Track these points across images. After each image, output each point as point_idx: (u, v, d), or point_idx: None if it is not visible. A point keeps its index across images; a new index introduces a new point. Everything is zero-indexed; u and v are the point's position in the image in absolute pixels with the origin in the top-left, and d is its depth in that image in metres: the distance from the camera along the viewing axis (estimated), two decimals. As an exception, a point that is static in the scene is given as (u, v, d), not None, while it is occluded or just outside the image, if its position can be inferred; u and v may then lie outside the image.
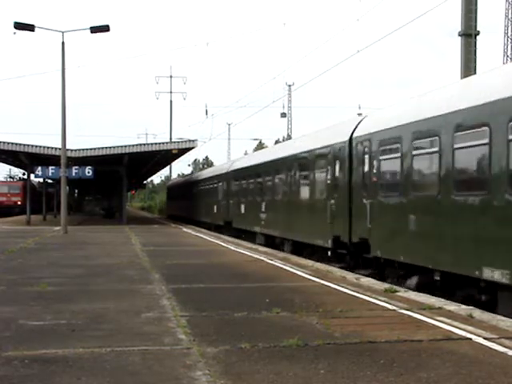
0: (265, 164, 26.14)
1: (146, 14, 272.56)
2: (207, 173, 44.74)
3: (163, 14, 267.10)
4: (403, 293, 11.34)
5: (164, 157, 43.71)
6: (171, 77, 76.26)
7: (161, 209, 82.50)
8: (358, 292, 11.45)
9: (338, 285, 12.41)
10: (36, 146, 37.36)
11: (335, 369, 6.33)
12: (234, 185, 32.15)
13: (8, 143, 37.12)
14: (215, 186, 37.39)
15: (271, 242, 24.53)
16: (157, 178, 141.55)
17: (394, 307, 9.86)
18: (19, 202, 63.12)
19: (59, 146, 32.12)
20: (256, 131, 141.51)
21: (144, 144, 42.61)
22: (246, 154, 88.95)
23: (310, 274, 14.19)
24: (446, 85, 13.83)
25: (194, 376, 6.06)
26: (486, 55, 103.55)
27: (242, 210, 29.70)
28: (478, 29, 25.80)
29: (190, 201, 48.32)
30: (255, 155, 34.77)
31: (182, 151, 41.42)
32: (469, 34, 25.55)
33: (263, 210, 25.67)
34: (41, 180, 54.93)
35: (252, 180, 28.18)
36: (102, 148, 38.17)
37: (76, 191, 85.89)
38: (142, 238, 27.20)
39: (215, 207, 36.78)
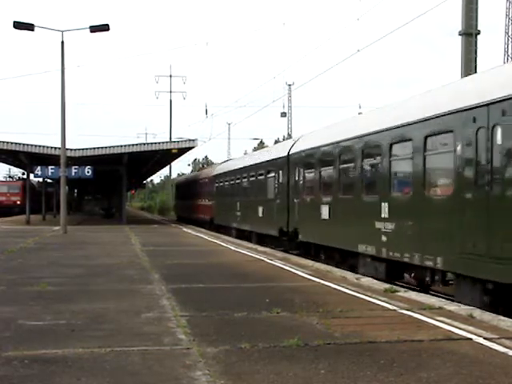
0: (394, 131, 14.14)
1: (145, 14, 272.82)
2: (241, 162, 32.23)
3: (163, 13, 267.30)
4: (403, 293, 11.33)
5: (164, 156, 43.68)
6: (171, 76, 76.33)
7: (161, 209, 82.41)
8: (359, 292, 11.44)
9: (339, 285, 12.40)
10: (36, 146, 37.35)
11: (335, 369, 6.32)
12: (305, 174, 20.51)
13: (8, 143, 37.10)
14: (260, 178, 26.41)
15: (418, 280, 13.93)
16: (156, 178, 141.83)
17: (395, 307, 9.85)
18: (19, 202, 63.13)
19: (59, 145, 32.11)
20: (256, 131, 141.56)
21: (144, 143, 42.60)
22: (245, 153, 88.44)
23: (310, 274, 14.17)
24: None
25: (193, 376, 6.05)
26: (487, 54, 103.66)
27: (325, 215, 18.20)
28: (478, 28, 25.84)
29: (212, 201, 38.29)
30: (356, 120, 18.53)
31: (182, 151, 41.38)
32: (469, 34, 25.57)
33: (385, 215, 14.27)
34: (40, 180, 54.92)
35: (352, 164, 16.37)
36: (102, 148, 38.15)
37: (75, 191, 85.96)
38: (142, 237, 27.18)
39: (261, 210, 25.62)
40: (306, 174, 20.54)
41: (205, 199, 41.18)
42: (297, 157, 21.55)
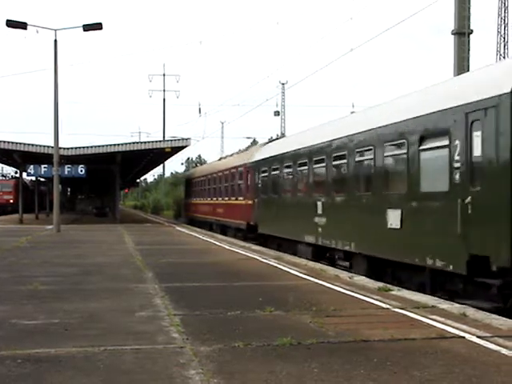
0: None
1: (139, 12, 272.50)
2: (323, 132, 19.21)
3: (156, 12, 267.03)
4: (397, 291, 11.35)
5: (157, 155, 43.64)
6: (164, 75, 76.41)
7: (154, 208, 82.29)
8: (352, 291, 11.45)
9: (332, 283, 12.41)
10: (28, 145, 37.30)
11: (329, 367, 6.31)
12: None
13: (0, 141, 37.01)
14: (391, 154, 14.35)
15: None
16: (150, 177, 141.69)
17: (388, 306, 9.86)
18: (11, 201, 62.97)
19: (52, 144, 32.03)
20: (249, 129, 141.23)
21: (137, 142, 42.55)
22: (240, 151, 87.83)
23: (304, 273, 14.18)
24: None
25: (187, 375, 6.04)
26: (480, 53, 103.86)
27: None
28: (471, 27, 25.94)
29: (254, 199, 26.39)
30: None
31: (176, 150, 41.36)
32: (462, 33, 25.67)
33: None
34: (33, 178, 54.79)
35: None
36: (95, 146, 38.15)
37: (69, 190, 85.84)
38: (135, 236, 27.15)
39: (395, 215, 13.66)
40: None
41: (236, 197, 30.18)
42: None
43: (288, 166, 21.60)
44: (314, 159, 18.92)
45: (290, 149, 21.71)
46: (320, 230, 18.15)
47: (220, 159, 40.88)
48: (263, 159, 25.16)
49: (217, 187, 35.58)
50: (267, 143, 28.71)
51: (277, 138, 28.78)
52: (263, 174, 24.89)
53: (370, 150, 14.99)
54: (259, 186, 25.56)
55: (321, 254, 18.74)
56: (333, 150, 17.34)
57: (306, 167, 19.80)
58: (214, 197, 36.43)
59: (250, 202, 27.11)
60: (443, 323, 8.44)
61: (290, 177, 21.48)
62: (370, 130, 15.16)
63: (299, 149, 20.49)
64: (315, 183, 19.11)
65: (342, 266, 16.83)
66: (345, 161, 16.54)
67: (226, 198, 32.62)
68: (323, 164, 18.15)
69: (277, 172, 22.91)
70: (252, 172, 26.92)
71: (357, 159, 15.81)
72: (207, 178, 39.17)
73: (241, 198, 29.13)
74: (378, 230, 14.45)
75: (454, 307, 9.73)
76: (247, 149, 34.40)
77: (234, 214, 30.28)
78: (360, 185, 15.91)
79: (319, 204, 18.29)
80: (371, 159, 14.99)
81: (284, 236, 22.05)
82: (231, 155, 37.10)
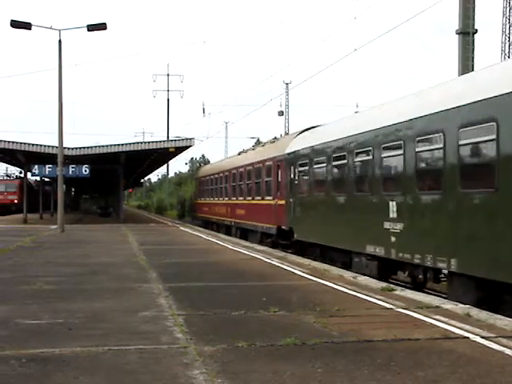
0: None
1: (143, 12, 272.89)
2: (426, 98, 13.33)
3: (160, 12, 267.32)
4: (400, 291, 11.34)
5: (161, 155, 43.68)
6: (168, 75, 76.45)
7: (158, 207, 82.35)
8: (355, 291, 11.44)
9: (335, 283, 12.40)
10: (33, 145, 37.38)
11: (332, 368, 6.31)
12: None
13: (5, 142, 37.10)
14: None
15: None
16: (154, 177, 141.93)
17: (392, 306, 9.85)
18: (16, 201, 63.09)
19: (56, 144, 32.08)
20: (253, 129, 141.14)
21: (141, 142, 42.57)
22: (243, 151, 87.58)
23: (307, 273, 14.17)
24: None
25: (191, 375, 6.04)
26: (485, 52, 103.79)
27: None
28: (476, 27, 25.88)
29: (287, 198, 21.80)
30: None
31: (179, 150, 41.38)
32: (466, 33, 25.62)
33: None
34: (38, 178, 54.89)
35: None
36: (99, 146, 38.22)
37: (73, 190, 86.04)
38: (139, 236, 27.17)
39: None
40: None
41: (263, 196, 25.74)
42: None
43: (340, 157, 16.98)
44: (384, 146, 14.41)
45: (342, 135, 16.98)
46: (393, 239, 13.81)
47: (239, 153, 35.24)
48: (302, 150, 20.31)
49: (237, 185, 31.04)
50: (305, 131, 22.53)
51: (313, 127, 22.15)
52: (302, 168, 20.31)
53: (490, 127, 10.34)
54: (296, 182, 20.95)
55: (392, 270, 14.70)
56: (417, 132, 12.87)
57: (368, 157, 15.22)
58: (232, 196, 31.90)
59: (281, 202, 22.58)
60: (447, 323, 8.43)
61: (344, 170, 16.82)
62: (486, 99, 10.47)
63: (357, 134, 15.91)
64: (385, 178, 14.59)
65: (400, 283, 13.88)
66: (439, 146, 11.99)
67: (249, 198, 28.03)
68: (399, 152, 13.62)
69: (323, 165, 18.25)
70: (285, 166, 22.18)
71: (461, 143, 11.19)
72: (224, 175, 34.48)
73: (269, 198, 24.59)
74: (507, 244, 9.95)
75: (457, 307, 9.71)
76: (257, 144, 30.13)
77: (259, 216, 25.73)
78: (469, 179, 11.15)
79: (392, 205, 13.93)
80: (491, 141, 10.30)
81: (333, 245, 17.57)
82: (253, 148, 32.99)
